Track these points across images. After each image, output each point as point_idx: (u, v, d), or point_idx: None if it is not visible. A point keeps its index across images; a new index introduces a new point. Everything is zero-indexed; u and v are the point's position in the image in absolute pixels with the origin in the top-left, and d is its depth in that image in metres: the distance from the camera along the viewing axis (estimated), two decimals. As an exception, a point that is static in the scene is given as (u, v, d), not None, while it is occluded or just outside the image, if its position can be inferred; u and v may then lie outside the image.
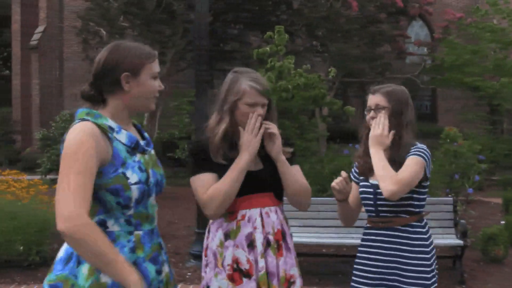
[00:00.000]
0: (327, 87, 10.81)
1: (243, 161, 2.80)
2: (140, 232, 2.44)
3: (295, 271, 2.89)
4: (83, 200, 2.22)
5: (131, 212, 2.40)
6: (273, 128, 2.91)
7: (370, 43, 19.28)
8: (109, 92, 2.48)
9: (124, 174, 2.37)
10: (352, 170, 3.46)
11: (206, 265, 2.90)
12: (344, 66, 17.85)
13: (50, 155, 14.93)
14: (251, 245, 2.80)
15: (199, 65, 7.56)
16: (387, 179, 2.94)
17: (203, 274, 2.92)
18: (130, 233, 2.40)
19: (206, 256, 2.92)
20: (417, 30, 24.50)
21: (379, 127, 3.09)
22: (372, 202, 3.18)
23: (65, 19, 22.73)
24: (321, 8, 17.59)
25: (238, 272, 2.76)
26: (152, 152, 2.62)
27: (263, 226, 2.83)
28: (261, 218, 2.84)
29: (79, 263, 2.31)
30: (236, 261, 2.78)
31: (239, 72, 2.96)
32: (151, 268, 2.44)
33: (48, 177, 14.91)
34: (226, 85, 2.94)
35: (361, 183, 3.29)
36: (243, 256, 2.78)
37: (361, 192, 3.26)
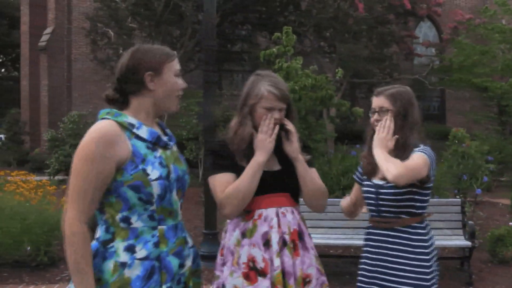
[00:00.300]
0: (335, 87, 10.80)
1: (258, 161, 2.84)
2: (164, 227, 2.49)
3: (312, 271, 2.91)
4: (83, 204, 2.34)
5: (153, 207, 2.45)
6: (289, 124, 2.95)
7: (379, 44, 19.24)
8: (134, 93, 2.54)
9: (144, 170, 2.41)
10: (357, 170, 3.49)
11: (223, 264, 2.92)
12: (352, 67, 17.83)
13: (58, 156, 14.99)
14: (267, 244, 2.82)
15: (207, 66, 7.57)
16: (392, 165, 2.94)
17: (218, 273, 2.93)
18: (154, 228, 2.46)
19: (222, 255, 2.94)
20: (425, 31, 24.46)
21: (384, 130, 3.11)
22: (374, 202, 3.20)
23: (74, 20, 22.82)
24: (329, 9, 17.57)
25: (254, 271, 2.79)
26: (175, 148, 2.67)
27: (279, 225, 2.85)
28: (277, 218, 2.86)
29: (104, 259, 2.39)
30: (252, 259, 2.80)
31: (260, 75, 2.99)
32: (174, 262, 2.49)
33: (56, 177, 14.96)
34: (246, 88, 2.98)
35: (364, 183, 3.32)
36: (259, 254, 2.80)
37: (364, 192, 3.29)
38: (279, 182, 2.93)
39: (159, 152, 2.50)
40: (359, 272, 3.28)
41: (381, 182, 3.15)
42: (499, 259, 7.36)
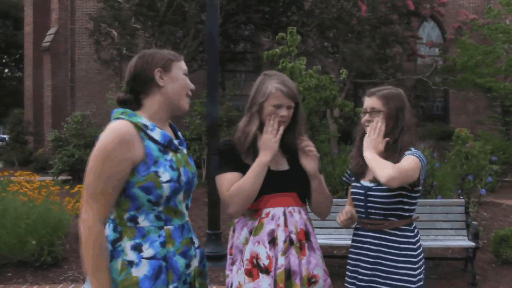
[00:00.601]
0: (338, 88, 10.78)
1: (262, 161, 2.85)
2: (170, 227, 2.50)
3: (319, 271, 2.92)
4: (101, 205, 2.36)
5: (160, 208, 2.46)
6: (311, 147, 2.97)
7: (382, 44, 19.23)
8: (145, 92, 2.56)
9: (156, 172, 2.42)
10: (346, 172, 3.48)
11: (232, 263, 2.95)
12: (355, 67, 17.81)
13: (62, 156, 15.00)
14: (272, 241, 2.83)
15: (211, 66, 7.56)
16: (384, 167, 2.93)
17: (228, 272, 2.97)
18: (160, 228, 2.48)
19: (231, 254, 2.97)
20: (428, 31, 24.43)
21: (374, 132, 3.10)
22: (362, 203, 3.18)
23: (77, 20, 22.85)
24: (332, 9, 17.56)
25: (256, 268, 2.80)
26: (185, 151, 2.69)
27: (286, 224, 2.87)
28: (284, 217, 2.88)
29: (112, 257, 2.41)
30: (256, 256, 2.82)
31: (268, 75, 3.02)
32: (181, 262, 2.51)
33: (60, 178, 14.98)
34: (254, 87, 3.01)
35: (352, 184, 3.31)
36: (263, 251, 2.81)
37: (352, 193, 3.27)
38: (287, 182, 2.94)
39: (169, 155, 2.51)
40: (346, 272, 3.29)
41: (370, 184, 3.15)
42: (503, 260, 7.34)
